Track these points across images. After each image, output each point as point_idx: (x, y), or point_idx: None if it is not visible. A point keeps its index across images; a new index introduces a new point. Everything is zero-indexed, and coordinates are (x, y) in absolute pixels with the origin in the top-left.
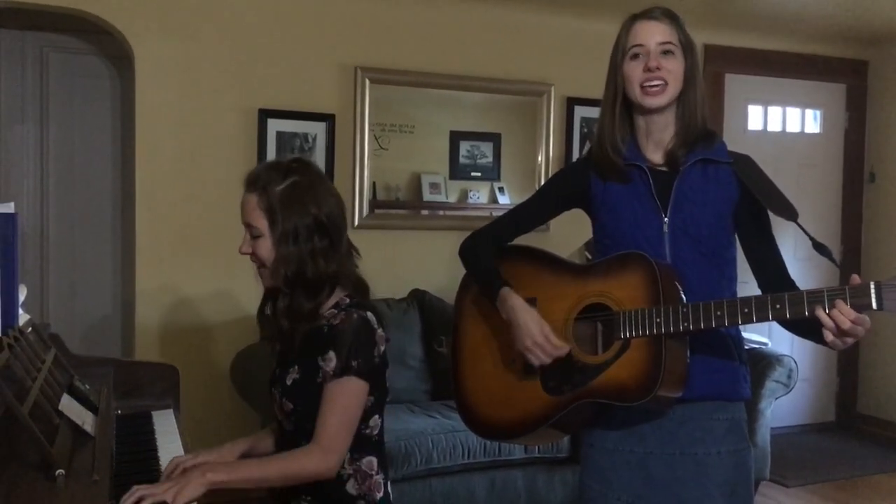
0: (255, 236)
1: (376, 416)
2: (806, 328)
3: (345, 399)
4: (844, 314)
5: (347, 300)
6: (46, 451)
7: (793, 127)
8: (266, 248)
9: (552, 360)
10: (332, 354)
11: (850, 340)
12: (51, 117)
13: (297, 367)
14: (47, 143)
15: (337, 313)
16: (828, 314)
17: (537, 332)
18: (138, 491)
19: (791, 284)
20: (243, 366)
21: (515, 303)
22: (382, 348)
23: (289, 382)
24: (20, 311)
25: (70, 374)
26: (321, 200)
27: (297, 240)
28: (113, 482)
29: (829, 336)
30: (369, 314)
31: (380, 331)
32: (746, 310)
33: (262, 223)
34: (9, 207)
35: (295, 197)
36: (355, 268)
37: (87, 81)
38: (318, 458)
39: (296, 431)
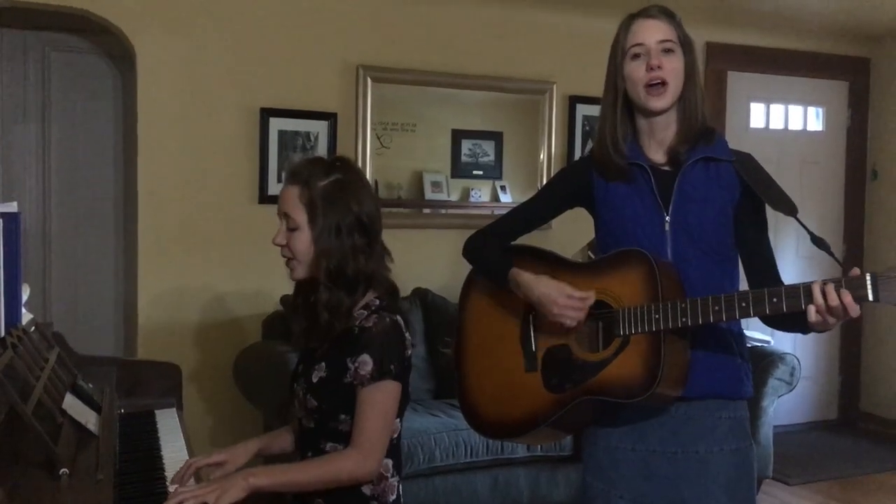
0: (290, 228)
1: (397, 420)
2: (787, 320)
3: (383, 403)
4: (840, 294)
5: (377, 301)
6: (50, 450)
7: (795, 125)
8: (302, 241)
9: (584, 315)
10: (366, 358)
11: (832, 321)
12: (53, 116)
13: (324, 364)
14: (49, 143)
15: (367, 315)
16: (822, 290)
17: (557, 295)
18: (180, 494)
19: (778, 282)
20: (245, 364)
21: (526, 278)
22: (409, 353)
23: (315, 380)
24: (23, 310)
25: (73, 373)
26: (362, 200)
27: (340, 235)
28: (117, 481)
29: (812, 313)
30: (399, 318)
31: (408, 335)
32: (744, 303)
33: (301, 216)
34: (12, 207)
35: (337, 194)
36: (388, 271)
37: (89, 81)
38: (358, 461)
39: (317, 429)
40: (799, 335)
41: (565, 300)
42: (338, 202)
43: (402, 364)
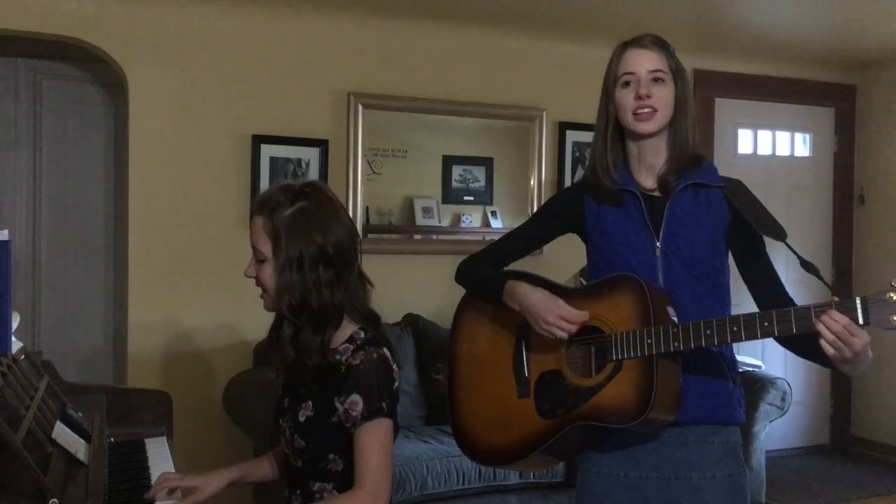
0: (259, 260)
1: None
2: (810, 350)
3: (380, 441)
4: (835, 318)
5: (362, 334)
6: (40, 480)
7: (782, 150)
8: (269, 273)
9: (575, 329)
10: (357, 398)
11: (847, 353)
12: (44, 144)
13: (310, 403)
14: (40, 170)
15: (353, 350)
16: (819, 320)
17: (552, 306)
18: None
19: (789, 302)
20: (236, 392)
21: (522, 289)
22: (397, 385)
23: (302, 419)
24: (13, 338)
25: (63, 401)
26: (329, 229)
27: (302, 268)
28: None
29: (828, 348)
30: (386, 351)
31: (395, 366)
32: (735, 328)
33: (266, 248)
34: (2, 235)
35: (301, 224)
36: (366, 300)
37: (81, 108)
38: (367, 502)
39: (305, 470)
40: (790, 360)
41: (557, 311)
42: (301, 233)
43: (392, 399)
